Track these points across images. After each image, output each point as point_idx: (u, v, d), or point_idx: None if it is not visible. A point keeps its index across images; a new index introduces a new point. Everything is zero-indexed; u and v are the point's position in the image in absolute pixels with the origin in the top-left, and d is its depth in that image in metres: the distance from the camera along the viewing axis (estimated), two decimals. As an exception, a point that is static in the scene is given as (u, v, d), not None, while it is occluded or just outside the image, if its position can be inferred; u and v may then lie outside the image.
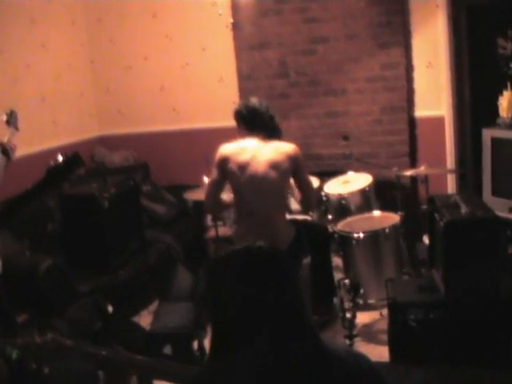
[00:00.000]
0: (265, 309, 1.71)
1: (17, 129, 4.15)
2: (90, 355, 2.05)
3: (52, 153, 6.51)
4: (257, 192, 4.52)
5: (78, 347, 2.04)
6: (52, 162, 3.26)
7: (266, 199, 4.53)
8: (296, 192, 4.81)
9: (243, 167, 4.53)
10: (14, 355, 2.04)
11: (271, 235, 4.60)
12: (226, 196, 4.86)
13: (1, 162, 3.93)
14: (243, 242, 4.63)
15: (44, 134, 6.55)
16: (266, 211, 4.54)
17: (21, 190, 5.30)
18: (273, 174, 4.50)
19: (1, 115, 4.23)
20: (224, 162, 4.56)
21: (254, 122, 4.64)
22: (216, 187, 4.64)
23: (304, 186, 4.67)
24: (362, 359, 1.85)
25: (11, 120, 4.15)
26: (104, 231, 5.53)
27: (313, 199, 4.83)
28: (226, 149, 4.60)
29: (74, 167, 3.19)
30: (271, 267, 1.78)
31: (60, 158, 3.22)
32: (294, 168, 4.56)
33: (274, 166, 4.51)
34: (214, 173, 4.62)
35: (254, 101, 4.74)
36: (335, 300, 5.13)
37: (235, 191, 4.66)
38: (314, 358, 1.73)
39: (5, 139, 4.02)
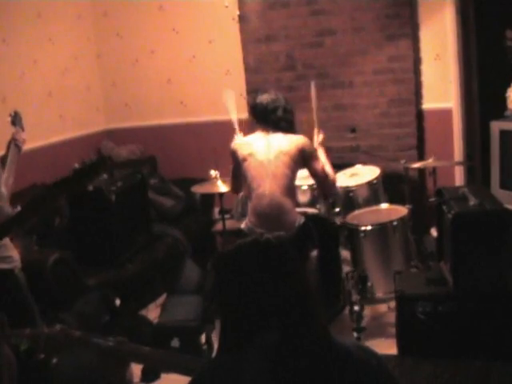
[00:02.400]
0: (274, 301, 1.71)
1: (22, 129, 4.19)
2: (96, 346, 2.05)
3: (59, 147, 6.56)
4: (265, 175, 4.60)
5: (85, 338, 2.06)
6: (77, 165, 3.34)
7: (274, 182, 4.59)
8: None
9: (252, 153, 4.65)
10: (23, 346, 2.04)
11: (278, 218, 4.63)
12: None
13: (14, 155, 3.99)
14: (252, 228, 4.70)
15: (51, 128, 6.55)
16: (275, 194, 4.60)
17: (28, 184, 5.34)
18: (281, 157, 4.60)
19: (6, 116, 4.26)
20: (235, 151, 4.70)
21: (265, 116, 4.71)
22: (234, 174, 4.77)
23: (317, 173, 4.71)
24: (370, 353, 1.84)
25: (16, 121, 4.19)
26: (111, 225, 5.52)
27: (329, 183, 4.82)
28: (237, 142, 4.77)
29: (99, 170, 3.23)
30: (279, 259, 1.77)
31: (86, 162, 3.29)
32: (304, 158, 4.63)
33: (283, 152, 4.60)
34: (233, 163, 4.77)
35: (264, 95, 4.78)
36: (343, 293, 5.12)
37: (245, 176, 4.73)
38: (323, 351, 1.73)
39: (15, 135, 4.08)
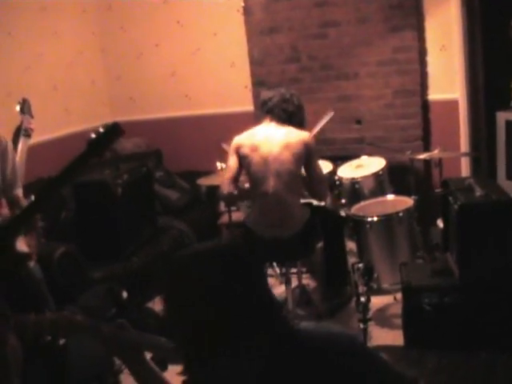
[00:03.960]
0: (235, 306, 1.68)
1: (31, 116, 4.21)
2: (99, 331, 2.08)
3: (64, 140, 6.57)
4: (269, 172, 4.59)
5: (86, 322, 2.09)
6: (92, 134, 3.36)
7: (279, 179, 4.59)
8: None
9: (256, 148, 4.63)
10: (29, 332, 2.07)
11: (284, 217, 4.65)
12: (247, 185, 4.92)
13: (25, 145, 4.02)
14: (257, 225, 4.71)
15: (56, 122, 6.56)
16: (280, 191, 4.60)
17: (33, 178, 5.34)
18: (286, 154, 4.58)
19: (15, 105, 4.27)
20: (238, 148, 4.68)
21: (271, 108, 4.72)
22: (232, 174, 4.73)
23: (314, 174, 4.72)
24: (341, 334, 1.81)
25: (25, 108, 4.21)
26: (117, 218, 5.53)
27: (322, 190, 4.86)
28: (239, 137, 4.75)
29: (113, 136, 3.28)
30: (235, 263, 1.74)
31: (100, 129, 3.33)
32: (307, 154, 4.61)
33: (287, 147, 4.59)
34: (230, 161, 4.73)
35: (272, 90, 4.81)
36: (348, 284, 5.13)
37: (248, 173, 4.73)
38: (291, 343, 1.72)
39: (25, 123, 4.11)
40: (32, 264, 3.75)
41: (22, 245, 3.72)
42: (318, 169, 4.76)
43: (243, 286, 1.69)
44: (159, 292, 1.78)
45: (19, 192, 3.84)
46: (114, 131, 3.40)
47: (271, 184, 4.61)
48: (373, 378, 1.74)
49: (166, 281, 1.77)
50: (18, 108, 4.22)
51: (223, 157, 5.30)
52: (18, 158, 3.96)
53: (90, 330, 2.09)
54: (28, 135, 4.11)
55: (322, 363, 1.70)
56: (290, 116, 4.71)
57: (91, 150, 3.40)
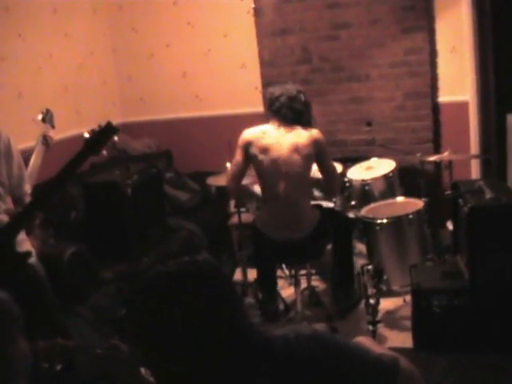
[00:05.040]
0: (206, 324, 1.66)
1: (53, 126, 4.28)
2: (92, 355, 2.12)
3: (75, 141, 6.56)
4: (280, 175, 4.58)
5: (80, 348, 2.13)
6: (86, 134, 3.44)
7: (289, 182, 4.58)
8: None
9: (266, 151, 4.60)
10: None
11: (295, 219, 4.65)
12: (256, 188, 4.92)
13: (41, 151, 4.08)
14: (267, 227, 4.71)
15: (67, 123, 6.55)
16: (290, 194, 4.59)
17: (44, 179, 5.35)
18: (296, 157, 4.56)
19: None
20: (247, 145, 4.66)
21: (276, 106, 4.70)
22: (238, 169, 4.72)
23: (327, 170, 4.71)
24: (309, 336, 1.81)
25: (47, 118, 4.27)
26: (127, 218, 5.54)
27: (336, 185, 4.86)
28: (249, 133, 4.70)
29: (109, 135, 3.37)
30: (202, 282, 1.72)
31: (95, 129, 3.42)
32: (317, 152, 4.61)
33: (297, 149, 4.57)
34: (237, 155, 4.70)
35: (277, 86, 4.78)
36: (356, 286, 5.12)
37: (259, 175, 4.73)
38: (263, 351, 1.72)
39: (46, 132, 4.18)
40: (33, 260, 3.76)
41: (27, 245, 3.74)
42: (331, 164, 4.76)
43: (212, 303, 1.68)
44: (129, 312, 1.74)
45: (27, 188, 3.85)
46: (108, 130, 3.48)
47: (281, 187, 4.61)
48: (350, 371, 1.74)
49: (135, 304, 1.74)
50: (39, 117, 4.29)
51: (233, 158, 5.31)
52: (32, 161, 4.00)
53: (84, 354, 2.12)
54: (47, 144, 4.16)
55: (296, 370, 1.71)
56: (298, 115, 4.68)
57: (88, 149, 3.48)
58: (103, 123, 3.48)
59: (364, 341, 2.02)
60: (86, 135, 3.50)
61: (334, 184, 4.84)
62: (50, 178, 3.55)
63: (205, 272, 1.73)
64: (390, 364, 1.82)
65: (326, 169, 4.72)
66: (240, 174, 4.75)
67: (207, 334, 1.64)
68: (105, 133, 3.44)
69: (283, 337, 1.78)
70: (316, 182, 4.93)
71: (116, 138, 3.47)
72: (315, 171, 4.86)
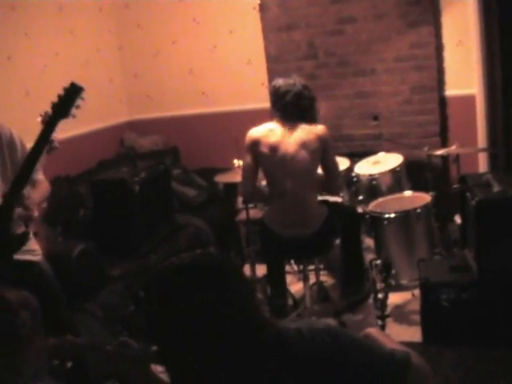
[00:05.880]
0: (220, 317, 1.67)
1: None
2: (101, 352, 2.13)
3: (82, 139, 6.59)
4: (287, 172, 4.57)
5: (90, 345, 2.14)
6: (54, 100, 3.47)
7: (296, 179, 4.57)
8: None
9: (274, 148, 4.59)
10: None
11: (302, 216, 4.65)
12: (263, 183, 4.92)
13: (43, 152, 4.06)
14: (274, 223, 4.71)
15: (74, 120, 6.54)
16: (297, 191, 4.59)
17: (51, 177, 5.36)
18: (303, 153, 4.56)
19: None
20: (254, 144, 4.64)
21: (279, 101, 4.68)
22: (251, 171, 4.71)
23: (330, 167, 4.71)
24: (322, 330, 1.81)
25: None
26: (135, 216, 5.54)
27: (337, 182, 4.85)
28: (256, 132, 4.68)
29: (75, 95, 3.41)
30: (214, 274, 1.72)
31: (61, 92, 3.44)
32: (323, 148, 4.59)
33: (304, 145, 4.56)
34: (247, 158, 4.70)
35: (280, 80, 4.76)
36: (366, 281, 5.12)
37: (266, 173, 4.72)
38: (275, 343, 1.73)
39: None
40: (40, 258, 3.76)
41: (34, 245, 3.75)
42: (333, 162, 4.75)
43: (225, 294, 1.69)
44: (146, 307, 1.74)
45: (39, 175, 3.82)
46: (73, 90, 3.50)
47: (288, 184, 4.60)
48: (362, 366, 1.76)
49: (152, 297, 1.75)
50: (39, 119, 4.26)
51: (240, 154, 5.31)
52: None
53: (93, 351, 2.13)
54: (50, 146, 4.13)
55: (309, 363, 1.72)
56: (304, 112, 4.67)
57: (57, 113, 3.50)
58: (67, 85, 3.50)
59: (374, 333, 2.02)
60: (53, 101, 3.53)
61: (334, 182, 4.82)
62: (28, 152, 3.57)
63: (218, 264, 1.74)
64: (402, 360, 1.82)
65: (327, 164, 4.71)
66: (253, 176, 4.75)
67: (220, 325, 1.65)
68: (70, 93, 3.46)
69: (296, 330, 1.79)
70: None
71: (82, 97, 3.47)
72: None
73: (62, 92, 3.51)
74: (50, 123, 3.50)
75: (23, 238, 3.60)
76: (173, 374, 1.75)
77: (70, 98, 3.47)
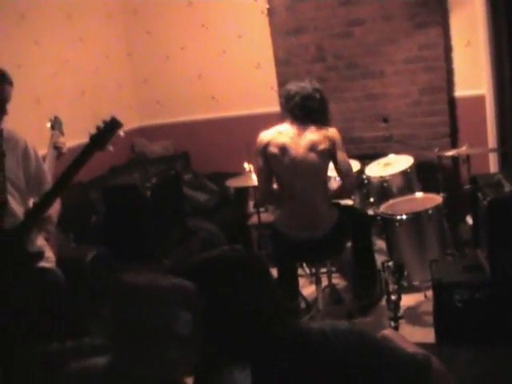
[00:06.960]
0: (245, 311, 1.70)
1: (62, 134, 4.28)
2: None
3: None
4: (297, 174, 4.58)
5: (107, 348, 2.17)
6: (92, 131, 3.48)
7: (306, 181, 4.58)
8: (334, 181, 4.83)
9: (283, 150, 4.61)
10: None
11: (313, 219, 4.65)
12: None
13: (52, 154, 4.08)
14: (285, 226, 4.71)
15: (85, 127, 6.51)
16: (308, 193, 4.59)
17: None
18: (312, 155, 4.56)
19: (42, 117, 4.34)
20: (265, 147, 4.66)
21: (289, 104, 4.69)
22: (265, 175, 4.73)
23: (342, 168, 4.69)
24: (346, 330, 1.83)
25: (56, 126, 4.27)
26: (147, 221, 5.56)
27: (352, 183, 4.84)
28: (266, 135, 4.71)
29: (114, 129, 3.41)
30: (240, 270, 1.75)
31: (101, 124, 3.46)
32: (333, 150, 4.59)
33: (313, 147, 4.57)
34: (259, 161, 4.72)
35: (293, 83, 4.78)
36: (378, 283, 5.12)
37: (277, 175, 4.72)
38: (300, 341, 1.74)
39: (56, 139, 4.18)
40: (52, 265, 3.79)
41: (47, 251, 3.77)
42: (345, 162, 4.73)
43: (252, 288, 1.71)
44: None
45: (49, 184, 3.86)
46: (113, 124, 3.52)
47: (298, 186, 4.61)
48: (385, 366, 1.77)
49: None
50: (48, 125, 4.29)
51: (251, 158, 5.32)
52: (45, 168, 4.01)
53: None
54: (59, 151, 4.16)
55: (332, 363, 1.73)
56: (313, 114, 4.66)
57: (93, 145, 3.52)
58: (108, 118, 3.51)
59: (391, 334, 2.03)
60: (91, 132, 3.54)
61: (347, 182, 4.79)
62: (58, 176, 3.58)
63: (246, 259, 1.77)
64: (424, 363, 1.84)
65: (339, 165, 4.70)
66: (269, 179, 4.76)
67: (244, 319, 1.67)
68: (109, 127, 3.47)
69: (319, 329, 1.80)
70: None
71: (121, 133, 3.47)
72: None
73: (101, 124, 3.51)
74: (84, 153, 3.51)
75: (38, 257, 3.64)
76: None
77: (108, 131, 3.48)
